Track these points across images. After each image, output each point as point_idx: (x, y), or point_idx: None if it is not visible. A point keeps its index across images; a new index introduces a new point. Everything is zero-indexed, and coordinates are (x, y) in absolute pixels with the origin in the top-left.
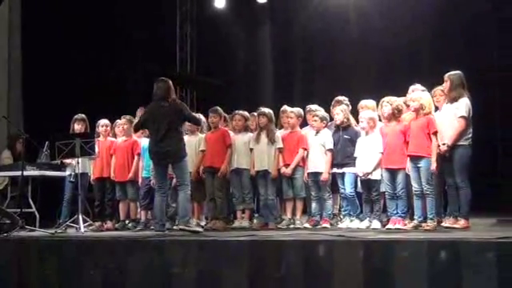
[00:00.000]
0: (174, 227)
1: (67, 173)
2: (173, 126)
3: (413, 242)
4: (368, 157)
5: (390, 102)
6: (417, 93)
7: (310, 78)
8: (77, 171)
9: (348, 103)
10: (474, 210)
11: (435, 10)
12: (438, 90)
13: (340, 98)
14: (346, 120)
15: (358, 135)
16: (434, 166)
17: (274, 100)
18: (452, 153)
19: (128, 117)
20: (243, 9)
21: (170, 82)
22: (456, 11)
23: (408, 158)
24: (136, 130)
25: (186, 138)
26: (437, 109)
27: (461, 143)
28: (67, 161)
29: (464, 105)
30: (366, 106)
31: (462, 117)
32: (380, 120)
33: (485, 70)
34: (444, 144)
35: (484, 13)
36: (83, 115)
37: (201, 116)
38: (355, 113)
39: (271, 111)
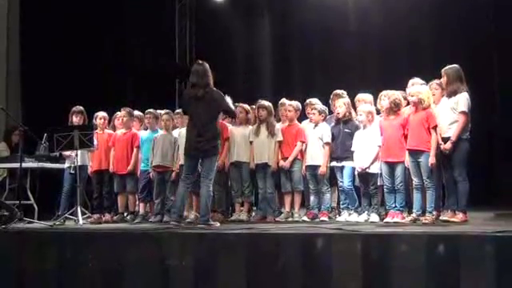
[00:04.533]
0: None
1: (66, 165)
2: (210, 118)
3: (411, 235)
4: (366, 150)
5: (387, 96)
6: (415, 87)
7: (309, 70)
8: (75, 163)
9: (346, 96)
10: (472, 204)
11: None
12: (433, 83)
13: (338, 91)
14: (348, 114)
15: (359, 129)
16: (433, 160)
17: (273, 93)
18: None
19: (128, 109)
20: (242, 1)
21: (207, 66)
22: (454, 1)
23: (407, 152)
24: (186, 113)
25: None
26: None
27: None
28: (67, 153)
29: (463, 99)
30: (363, 99)
31: (463, 112)
32: (378, 113)
33: (484, 61)
34: (443, 139)
35: (482, 2)
36: (81, 107)
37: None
38: (352, 106)
39: (271, 104)
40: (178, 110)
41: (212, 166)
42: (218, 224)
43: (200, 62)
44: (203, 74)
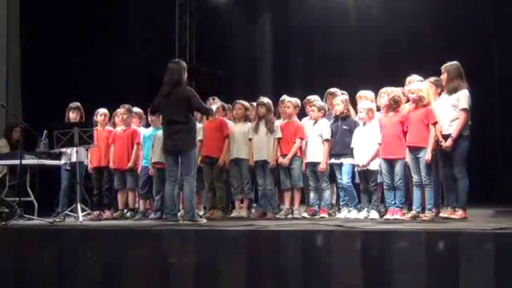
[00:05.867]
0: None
1: (62, 161)
2: (181, 114)
3: (410, 232)
4: (365, 147)
5: (387, 93)
6: (416, 84)
7: (309, 67)
8: (73, 160)
9: (340, 93)
10: (472, 201)
11: None
12: (428, 81)
13: (332, 89)
14: (345, 111)
15: (357, 126)
16: (428, 156)
17: (274, 90)
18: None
19: (127, 106)
20: None
21: (183, 64)
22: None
23: (407, 149)
24: (152, 112)
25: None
26: None
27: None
28: (62, 150)
29: (464, 96)
30: (365, 96)
31: (464, 109)
32: (378, 110)
33: (484, 57)
34: (443, 136)
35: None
36: (78, 103)
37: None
38: (353, 103)
39: (270, 101)
40: None
41: (191, 161)
42: (205, 220)
43: (176, 60)
44: (173, 71)
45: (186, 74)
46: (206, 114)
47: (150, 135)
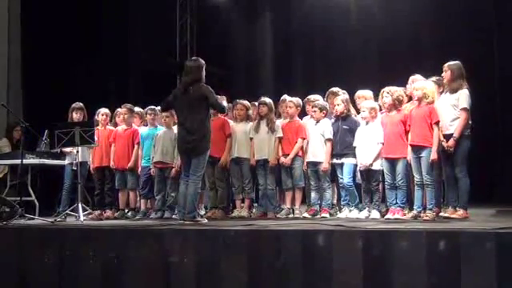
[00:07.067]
0: (173, 216)
1: (67, 161)
2: (199, 114)
3: (411, 232)
4: (368, 147)
5: (390, 93)
6: (420, 82)
7: (310, 67)
8: (77, 160)
9: (343, 93)
10: (473, 201)
11: None
12: (430, 80)
13: (334, 89)
14: (346, 111)
15: (358, 125)
16: (434, 156)
17: (275, 89)
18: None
19: (128, 105)
20: None
21: (201, 62)
22: None
23: (409, 148)
24: (164, 110)
25: None
26: None
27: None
28: (67, 149)
29: (464, 96)
30: (364, 96)
31: (464, 109)
32: (380, 110)
33: (484, 56)
34: (444, 136)
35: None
36: (81, 104)
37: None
38: (353, 103)
39: (271, 101)
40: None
41: (200, 163)
42: (206, 220)
43: (194, 58)
44: (190, 70)
45: (204, 72)
46: (221, 112)
47: (147, 134)
